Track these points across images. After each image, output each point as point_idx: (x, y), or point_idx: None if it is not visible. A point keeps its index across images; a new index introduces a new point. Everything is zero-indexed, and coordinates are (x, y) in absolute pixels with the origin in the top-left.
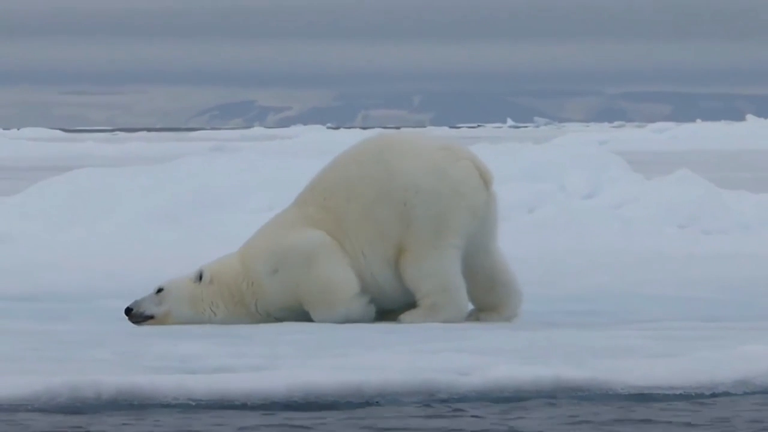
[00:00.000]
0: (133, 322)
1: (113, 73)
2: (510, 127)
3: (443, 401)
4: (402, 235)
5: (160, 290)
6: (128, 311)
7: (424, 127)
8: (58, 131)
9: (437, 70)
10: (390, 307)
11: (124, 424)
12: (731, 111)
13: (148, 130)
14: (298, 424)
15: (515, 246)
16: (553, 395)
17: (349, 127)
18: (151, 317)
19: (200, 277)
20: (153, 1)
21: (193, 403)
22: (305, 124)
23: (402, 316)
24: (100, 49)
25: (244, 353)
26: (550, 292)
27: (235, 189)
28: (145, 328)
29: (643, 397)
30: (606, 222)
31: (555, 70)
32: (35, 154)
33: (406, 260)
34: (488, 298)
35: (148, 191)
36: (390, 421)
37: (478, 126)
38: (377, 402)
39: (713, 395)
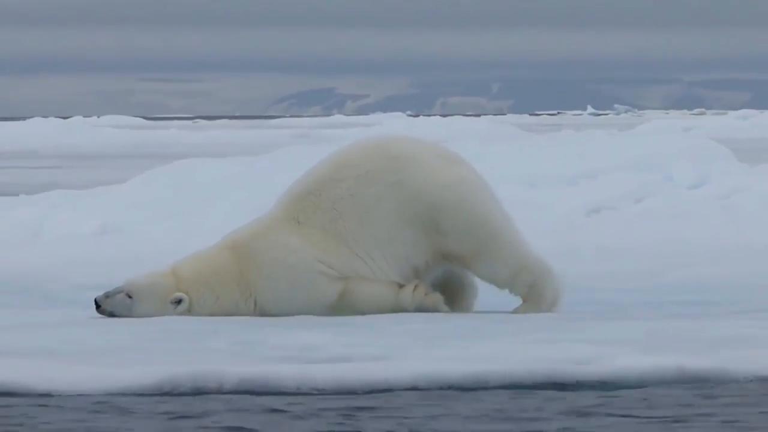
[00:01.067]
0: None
1: (192, 61)
2: (590, 114)
3: (566, 390)
4: (439, 244)
5: (130, 296)
6: (97, 305)
7: (504, 114)
8: (140, 119)
9: (516, 58)
10: None
11: (250, 413)
12: None
13: (229, 117)
14: (425, 414)
15: (623, 236)
16: (676, 384)
17: (428, 115)
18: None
19: (178, 302)
20: None
21: (317, 393)
22: (384, 111)
23: (514, 310)
24: (179, 36)
25: (361, 343)
26: (660, 282)
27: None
28: (257, 319)
29: None
30: (714, 212)
31: (633, 58)
32: (120, 141)
33: (469, 264)
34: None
35: (253, 181)
36: (516, 410)
37: (558, 113)
38: (502, 391)
39: None
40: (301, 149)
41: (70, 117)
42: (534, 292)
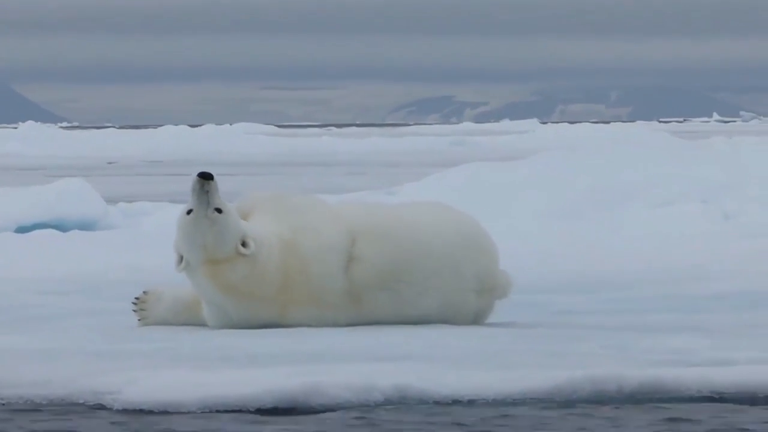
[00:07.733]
0: None
1: (310, 69)
2: (717, 121)
3: None
4: None
5: None
6: None
7: (623, 121)
8: (272, 126)
9: (633, 66)
10: None
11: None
12: None
13: (357, 125)
14: None
15: None
16: None
17: (554, 122)
18: None
19: None
20: None
21: (716, 396)
22: (511, 119)
23: None
24: (296, 45)
25: (735, 347)
26: None
27: (632, 184)
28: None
29: None
30: None
31: (756, 66)
32: (275, 149)
33: None
34: None
35: (541, 186)
36: None
37: (685, 120)
38: None
39: None
40: (558, 154)
41: (200, 125)
42: None
